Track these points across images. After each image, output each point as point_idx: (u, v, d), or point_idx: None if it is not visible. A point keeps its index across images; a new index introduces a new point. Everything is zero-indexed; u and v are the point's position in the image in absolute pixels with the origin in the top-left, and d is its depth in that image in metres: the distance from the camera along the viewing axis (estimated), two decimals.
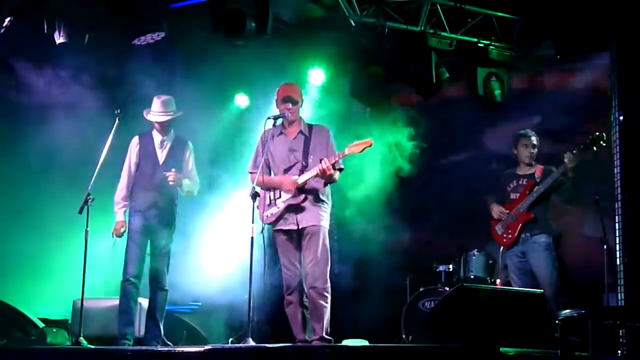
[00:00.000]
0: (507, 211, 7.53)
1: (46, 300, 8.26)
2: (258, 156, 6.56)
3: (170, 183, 7.04)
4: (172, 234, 7.19)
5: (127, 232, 7.11)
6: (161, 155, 7.22)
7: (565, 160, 7.28)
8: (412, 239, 9.36)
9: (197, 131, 8.99)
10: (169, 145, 7.25)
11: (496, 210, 7.61)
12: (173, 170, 7.06)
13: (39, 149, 8.21)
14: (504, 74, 8.59)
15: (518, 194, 7.55)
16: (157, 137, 7.25)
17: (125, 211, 7.18)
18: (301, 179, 6.32)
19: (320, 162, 6.19)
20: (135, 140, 7.25)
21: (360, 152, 6.22)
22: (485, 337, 5.86)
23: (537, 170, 7.56)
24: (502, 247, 7.60)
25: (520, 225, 7.43)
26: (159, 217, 7.10)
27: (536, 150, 7.62)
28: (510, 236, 7.49)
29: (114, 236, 7.11)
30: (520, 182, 7.59)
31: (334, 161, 6.20)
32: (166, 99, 7.22)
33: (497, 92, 8.51)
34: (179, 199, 7.27)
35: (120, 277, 7.04)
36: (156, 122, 7.19)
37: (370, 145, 6.20)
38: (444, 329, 6.12)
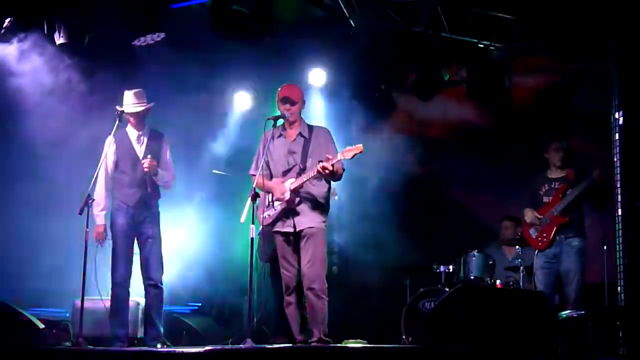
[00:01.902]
0: (541, 216, 7.50)
1: (46, 300, 8.26)
2: (259, 158, 6.54)
3: (145, 170, 6.92)
4: (159, 229, 7.09)
5: (110, 234, 7.00)
6: (140, 150, 7.09)
7: (593, 172, 7.28)
8: (412, 240, 9.35)
9: (197, 132, 9.02)
10: (146, 140, 7.12)
11: (530, 214, 7.56)
12: (149, 157, 6.94)
13: (39, 149, 8.21)
14: (504, 74, 8.59)
15: (551, 197, 7.50)
16: (132, 132, 7.12)
17: (105, 214, 7.05)
18: (294, 185, 6.30)
19: (319, 164, 6.18)
20: (109, 139, 7.03)
21: (351, 158, 6.17)
22: (485, 337, 5.86)
23: (569, 173, 7.52)
24: (536, 250, 7.54)
25: (555, 228, 7.40)
26: (145, 213, 7.02)
27: (567, 154, 7.59)
28: (545, 239, 7.43)
29: (96, 242, 6.91)
30: (553, 186, 7.53)
31: (333, 162, 6.17)
32: (138, 91, 7.10)
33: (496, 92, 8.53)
34: (160, 194, 7.19)
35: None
36: (132, 113, 7.03)
37: (361, 152, 6.14)
38: (444, 329, 6.12)
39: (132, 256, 7.02)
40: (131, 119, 7.08)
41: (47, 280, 8.15)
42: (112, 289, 6.95)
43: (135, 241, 7.04)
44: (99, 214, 7.01)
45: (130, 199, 7.00)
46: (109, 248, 6.97)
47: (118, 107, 7.01)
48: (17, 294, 7.67)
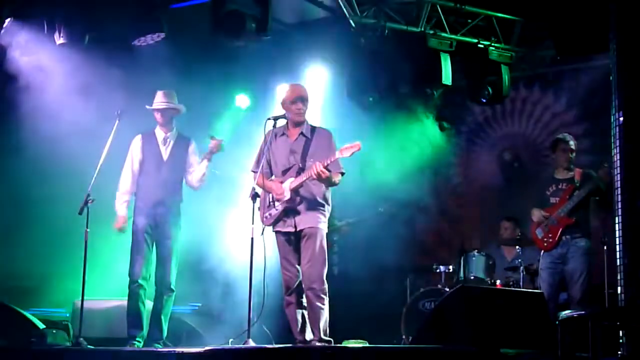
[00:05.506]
0: (548, 214, 7.52)
1: (46, 300, 8.26)
2: (260, 156, 6.55)
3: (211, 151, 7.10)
4: (178, 232, 7.12)
5: (131, 232, 7.04)
6: (165, 152, 7.14)
7: (600, 172, 7.33)
8: (412, 239, 9.36)
9: (197, 132, 9.01)
10: (172, 142, 7.17)
11: (537, 214, 7.58)
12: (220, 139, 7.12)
13: (39, 149, 8.21)
14: (505, 74, 8.59)
15: (558, 198, 7.52)
16: (159, 134, 7.19)
17: (127, 206, 7.08)
18: (293, 184, 6.29)
19: (313, 166, 6.16)
20: (137, 138, 7.16)
21: (350, 156, 6.16)
22: (486, 338, 5.85)
23: (576, 174, 7.54)
24: (542, 251, 7.56)
25: (561, 229, 7.42)
26: (165, 215, 7.04)
27: (574, 154, 7.61)
28: (551, 240, 7.46)
29: (117, 230, 6.99)
30: (560, 187, 7.55)
31: (326, 164, 6.15)
32: (168, 91, 7.19)
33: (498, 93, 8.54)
34: (183, 197, 7.22)
35: (127, 278, 7.00)
36: (157, 110, 7.08)
37: (359, 149, 6.13)
38: (444, 329, 6.11)
39: (152, 256, 7.03)
40: (158, 118, 7.11)
41: (47, 280, 8.17)
42: (129, 287, 6.95)
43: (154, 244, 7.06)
44: (121, 206, 7.05)
45: (152, 199, 7.02)
46: (126, 247, 6.99)
47: (147, 106, 7.11)
48: (17, 294, 7.69)
